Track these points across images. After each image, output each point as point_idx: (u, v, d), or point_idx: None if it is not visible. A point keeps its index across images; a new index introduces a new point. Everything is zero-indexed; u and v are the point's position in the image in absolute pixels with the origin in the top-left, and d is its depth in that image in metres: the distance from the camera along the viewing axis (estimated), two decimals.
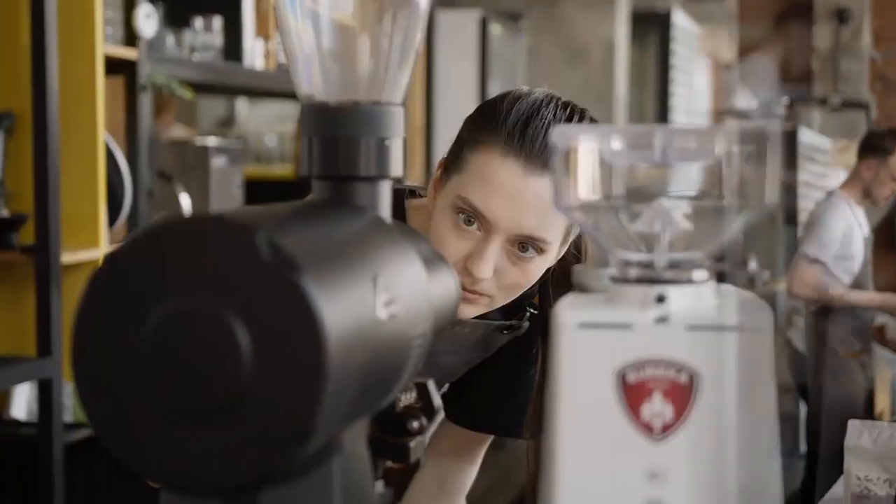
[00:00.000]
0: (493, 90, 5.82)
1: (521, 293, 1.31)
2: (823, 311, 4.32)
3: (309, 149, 0.76)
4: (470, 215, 1.25)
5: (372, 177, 0.76)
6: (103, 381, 0.61)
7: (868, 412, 4.34)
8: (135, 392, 0.60)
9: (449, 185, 1.28)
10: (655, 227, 0.67)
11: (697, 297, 0.66)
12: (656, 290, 0.66)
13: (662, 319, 0.64)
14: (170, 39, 3.10)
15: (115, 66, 2.77)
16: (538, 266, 1.28)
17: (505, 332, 1.43)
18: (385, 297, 0.67)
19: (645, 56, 8.35)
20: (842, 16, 9.24)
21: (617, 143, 0.66)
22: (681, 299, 0.65)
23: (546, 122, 1.26)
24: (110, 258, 0.61)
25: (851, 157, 8.53)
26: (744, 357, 0.64)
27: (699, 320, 0.64)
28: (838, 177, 8.75)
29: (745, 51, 9.95)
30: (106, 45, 2.66)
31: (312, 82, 0.78)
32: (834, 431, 4.14)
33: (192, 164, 3.28)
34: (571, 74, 6.32)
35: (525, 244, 1.26)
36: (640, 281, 0.67)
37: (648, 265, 0.67)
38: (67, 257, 2.49)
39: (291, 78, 0.79)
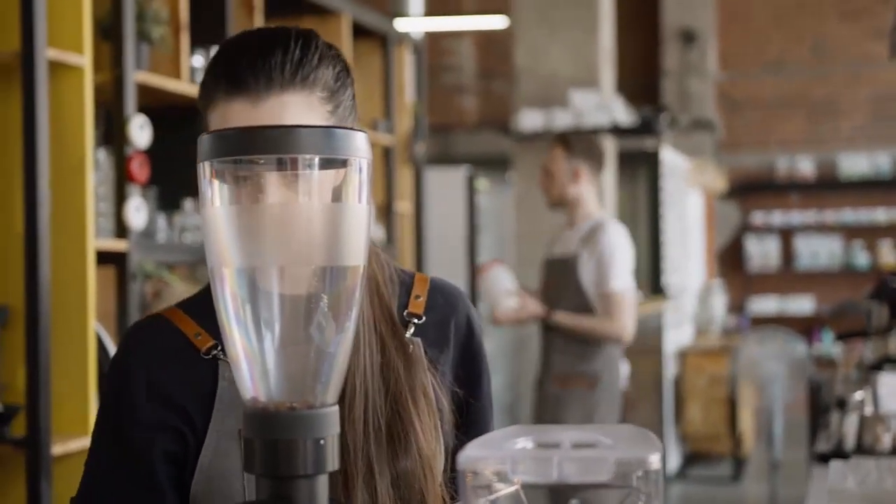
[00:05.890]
0: (483, 243, 5.94)
1: None
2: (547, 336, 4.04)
3: (251, 450, 0.84)
4: None
5: (309, 475, 0.84)
6: None
7: None
8: None
9: None
10: None
11: None
12: None
13: None
14: (161, 222, 3.21)
15: (106, 257, 2.87)
16: None
17: None
18: None
19: (635, 194, 8.46)
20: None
21: (518, 466, 0.73)
22: None
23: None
24: None
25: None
26: None
27: None
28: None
29: (734, 179, 10.02)
30: (97, 240, 2.76)
31: (255, 386, 0.86)
32: None
33: None
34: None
35: None
36: None
37: None
38: (58, 448, 2.55)
39: (235, 379, 0.88)
